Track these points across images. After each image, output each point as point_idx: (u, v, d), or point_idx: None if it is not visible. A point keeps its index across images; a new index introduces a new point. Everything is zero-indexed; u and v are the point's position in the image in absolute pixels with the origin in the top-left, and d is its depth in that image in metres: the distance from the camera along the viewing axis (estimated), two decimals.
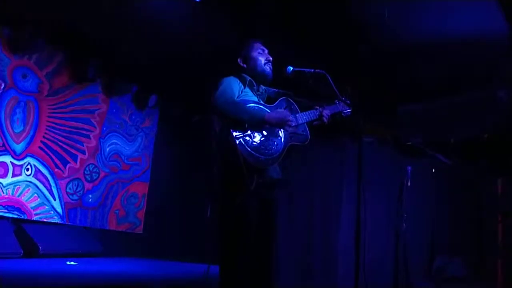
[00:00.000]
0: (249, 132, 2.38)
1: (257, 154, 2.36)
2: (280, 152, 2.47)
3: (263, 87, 2.71)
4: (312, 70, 2.62)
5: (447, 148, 5.12)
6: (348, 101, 2.77)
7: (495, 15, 3.70)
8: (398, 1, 3.78)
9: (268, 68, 2.66)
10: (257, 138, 2.41)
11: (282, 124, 2.45)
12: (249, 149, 2.34)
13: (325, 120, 2.66)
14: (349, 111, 2.79)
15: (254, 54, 2.66)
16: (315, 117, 2.66)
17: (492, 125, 4.85)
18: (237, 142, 2.32)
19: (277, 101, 2.63)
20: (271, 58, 2.69)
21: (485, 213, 5.22)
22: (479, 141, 5.05)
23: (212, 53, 4.85)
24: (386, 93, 5.20)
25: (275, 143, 2.46)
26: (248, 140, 2.36)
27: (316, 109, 2.69)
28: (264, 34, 4.05)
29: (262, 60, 2.65)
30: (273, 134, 2.48)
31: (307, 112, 2.65)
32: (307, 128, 2.66)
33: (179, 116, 6.64)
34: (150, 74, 6.04)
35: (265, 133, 2.45)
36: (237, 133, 2.34)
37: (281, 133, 2.52)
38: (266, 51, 2.71)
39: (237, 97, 2.50)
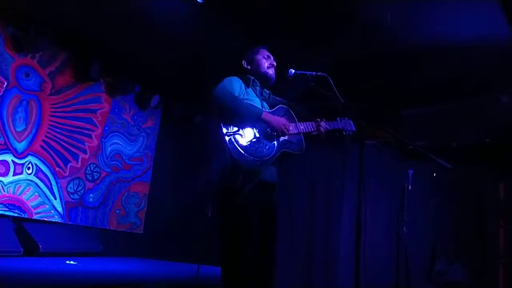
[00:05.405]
0: (240, 131, 2.38)
1: (245, 154, 2.34)
2: (271, 156, 2.44)
3: (267, 91, 2.72)
4: (314, 73, 2.61)
5: (449, 152, 5.10)
6: (350, 121, 2.73)
7: (499, 19, 3.69)
8: (402, 4, 3.77)
9: (270, 71, 2.69)
10: (248, 138, 2.39)
11: (278, 127, 2.45)
12: (238, 147, 2.33)
13: (322, 130, 2.61)
14: (350, 131, 2.73)
15: (259, 57, 2.70)
16: (313, 129, 2.63)
17: (495, 130, 4.84)
18: (227, 139, 2.31)
19: (275, 108, 2.63)
20: (275, 64, 2.72)
21: (486, 218, 5.19)
22: (481, 146, 5.03)
23: (214, 54, 4.85)
24: (389, 96, 5.19)
25: (266, 147, 2.45)
26: (238, 139, 2.35)
27: (316, 121, 2.65)
28: (265, 35, 4.08)
29: (266, 63, 2.69)
30: (266, 137, 2.46)
31: (305, 123, 2.63)
32: (302, 139, 2.63)
33: (181, 117, 6.64)
34: (153, 74, 6.05)
35: (257, 135, 2.44)
36: (228, 131, 2.34)
37: (274, 139, 2.50)
38: (272, 57, 2.74)
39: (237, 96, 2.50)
